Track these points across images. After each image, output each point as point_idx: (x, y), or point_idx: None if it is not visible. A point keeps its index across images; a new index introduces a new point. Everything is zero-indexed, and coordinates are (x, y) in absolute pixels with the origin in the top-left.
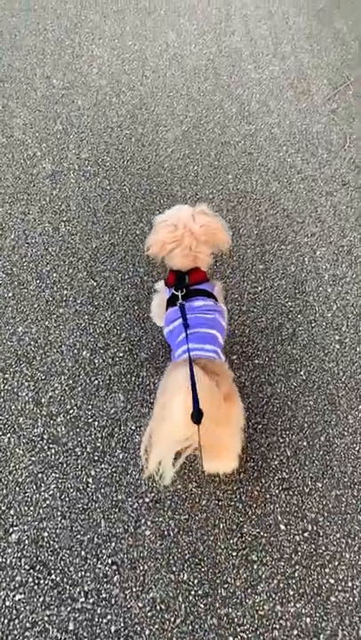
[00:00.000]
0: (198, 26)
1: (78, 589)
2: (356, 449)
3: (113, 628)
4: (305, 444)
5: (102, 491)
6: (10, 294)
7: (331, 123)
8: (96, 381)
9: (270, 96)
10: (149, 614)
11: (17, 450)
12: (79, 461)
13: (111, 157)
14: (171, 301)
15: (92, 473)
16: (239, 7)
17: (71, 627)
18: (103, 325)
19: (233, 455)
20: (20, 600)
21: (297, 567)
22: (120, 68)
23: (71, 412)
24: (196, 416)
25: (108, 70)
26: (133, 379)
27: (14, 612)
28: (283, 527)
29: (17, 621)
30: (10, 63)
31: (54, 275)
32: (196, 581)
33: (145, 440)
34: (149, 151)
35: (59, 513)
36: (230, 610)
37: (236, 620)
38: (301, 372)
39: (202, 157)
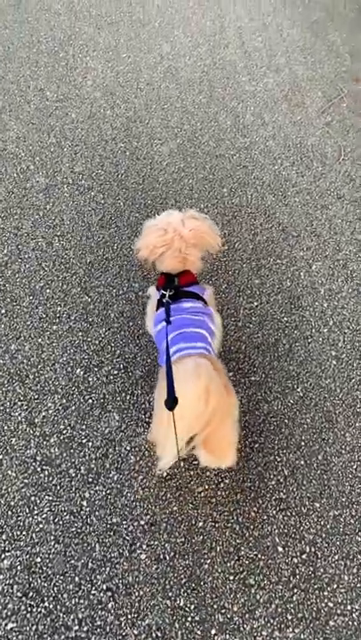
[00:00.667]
0: (193, 38)
1: (72, 617)
2: (354, 467)
3: None
4: (302, 462)
5: (97, 513)
6: (2, 311)
7: (325, 135)
8: (90, 400)
9: (265, 108)
10: None
11: (9, 472)
12: (73, 483)
13: (105, 171)
14: (160, 302)
15: (87, 495)
16: (233, 19)
17: None
18: (97, 342)
19: (233, 448)
20: (12, 629)
21: (295, 590)
22: (114, 81)
23: (65, 432)
24: (170, 404)
25: (102, 82)
26: (128, 397)
27: None
28: (280, 549)
29: None
30: (3, 75)
31: (48, 291)
32: (192, 607)
33: (154, 433)
34: (144, 165)
35: (52, 537)
36: (228, 636)
37: None
38: (298, 389)
39: (197, 171)
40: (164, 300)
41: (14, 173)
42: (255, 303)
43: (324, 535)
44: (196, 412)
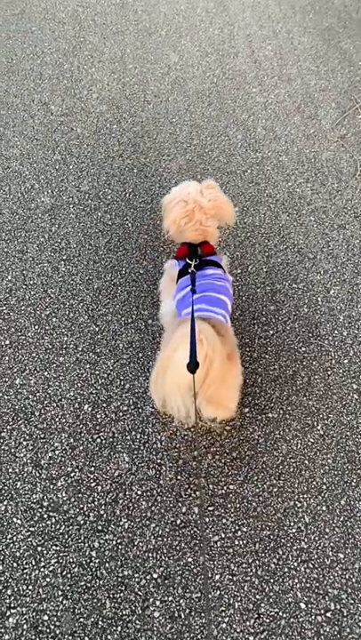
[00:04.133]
0: (201, 47)
1: None
2: None
3: None
4: (324, 508)
5: (107, 566)
6: (7, 342)
7: (340, 150)
8: (98, 439)
9: (277, 121)
10: None
11: (14, 519)
12: (81, 532)
13: (112, 190)
14: (182, 272)
15: (96, 545)
16: (242, 27)
17: None
18: (106, 376)
19: (232, 406)
20: None
21: None
22: (121, 93)
23: (72, 474)
24: (193, 365)
25: (108, 95)
26: (138, 436)
27: None
28: (303, 606)
29: None
30: (6, 89)
31: (54, 319)
32: None
33: (152, 385)
34: (152, 182)
35: (60, 592)
36: None
37: None
38: (318, 427)
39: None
40: (189, 270)
41: (18, 193)
42: (271, 332)
43: (349, 590)
44: (180, 379)
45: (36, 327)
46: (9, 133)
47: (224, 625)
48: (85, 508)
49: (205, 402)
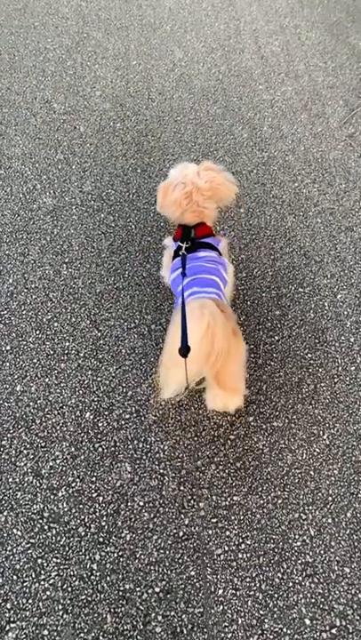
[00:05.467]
0: (206, 43)
1: None
2: None
3: None
4: (330, 520)
5: (108, 579)
6: (7, 347)
7: (348, 149)
8: (100, 449)
9: (283, 119)
10: None
11: (14, 530)
12: (82, 543)
13: (116, 190)
14: (177, 253)
15: (97, 557)
16: (249, 22)
17: None
18: (108, 382)
19: (240, 386)
20: None
21: None
22: (124, 90)
23: (73, 484)
24: (185, 350)
25: (111, 93)
26: (141, 445)
27: None
28: (308, 622)
29: None
30: (8, 86)
31: (55, 324)
32: None
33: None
34: (156, 183)
35: (60, 606)
36: None
37: None
38: (324, 436)
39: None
40: (180, 253)
41: (20, 194)
42: (276, 337)
43: (355, 606)
44: (201, 353)
45: (38, 332)
46: (11, 132)
47: None
48: (86, 520)
49: (216, 385)
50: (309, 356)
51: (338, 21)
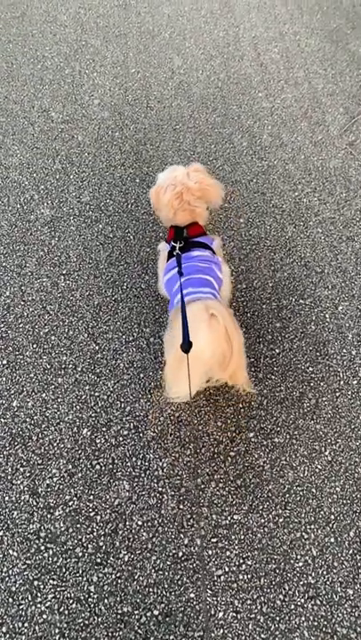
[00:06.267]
0: (205, 50)
1: None
2: None
3: None
4: (332, 540)
5: (105, 601)
6: (4, 362)
7: (348, 157)
8: (98, 466)
9: (283, 127)
10: None
11: (10, 551)
12: (80, 565)
13: (114, 200)
14: (171, 254)
15: (94, 579)
16: (248, 28)
17: None
18: (105, 398)
19: (246, 376)
20: None
21: None
22: (123, 99)
23: (70, 503)
24: (187, 346)
25: (110, 101)
26: (139, 462)
27: None
28: None
29: None
30: (6, 95)
31: (53, 338)
32: None
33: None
34: None
35: (57, 630)
36: None
37: None
38: (326, 453)
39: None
40: (174, 253)
41: (17, 204)
42: (277, 350)
43: (359, 629)
44: (219, 353)
45: (35, 346)
46: (8, 141)
47: None
48: (84, 540)
49: (229, 381)
50: (311, 369)
51: (338, 28)
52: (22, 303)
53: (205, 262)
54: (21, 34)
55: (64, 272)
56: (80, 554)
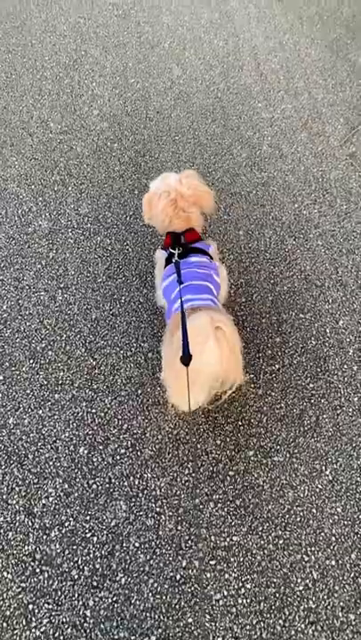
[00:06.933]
0: (205, 60)
1: None
2: None
3: None
4: (333, 563)
5: (102, 626)
6: (0, 377)
7: (349, 168)
8: (94, 485)
9: (283, 138)
10: None
11: (5, 573)
12: (75, 588)
13: (113, 213)
14: (168, 260)
15: (90, 603)
16: (248, 38)
17: None
18: (103, 415)
19: (242, 375)
20: None
21: None
22: (122, 109)
23: (66, 524)
24: (186, 358)
25: (109, 111)
26: (137, 482)
27: None
28: None
29: None
30: (5, 105)
31: (50, 353)
32: None
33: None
34: None
35: None
36: None
37: None
38: (327, 472)
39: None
40: (173, 260)
41: (15, 216)
42: (277, 366)
43: None
44: (226, 367)
45: (31, 361)
46: (6, 152)
47: None
48: (80, 562)
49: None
50: (311, 385)
51: (338, 38)
52: (19, 317)
53: (204, 268)
54: (21, 44)
55: (62, 285)
56: (76, 576)
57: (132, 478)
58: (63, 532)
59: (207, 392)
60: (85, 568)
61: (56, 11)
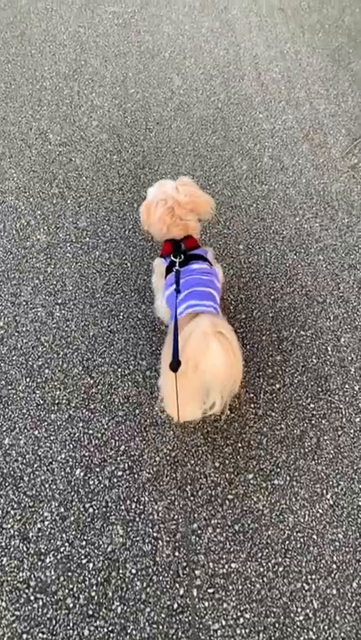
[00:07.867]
0: (205, 70)
1: None
2: None
3: None
4: (334, 591)
5: None
6: None
7: (351, 181)
8: (91, 509)
9: (284, 150)
10: None
11: None
12: (70, 617)
13: (111, 226)
14: (169, 268)
15: (85, 633)
16: (249, 47)
17: None
18: (100, 436)
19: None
20: None
21: None
22: (122, 120)
23: (62, 549)
24: (175, 364)
25: (108, 122)
26: (134, 505)
27: None
28: None
29: None
30: (4, 116)
31: (46, 371)
32: None
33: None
34: None
35: None
36: None
37: None
38: (328, 496)
39: (210, 225)
40: (174, 269)
41: (13, 230)
42: (277, 385)
43: None
44: (230, 372)
45: (28, 380)
46: (5, 164)
47: None
48: (75, 589)
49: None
50: (312, 405)
51: (339, 47)
52: (16, 334)
53: (206, 274)
54: (20, 54)
55: (59, 301)
56: (71, 605)
57: (128, 502)
58: (58, 557)
59: (219, 397)
60: (81, 596)
61: (56, 20)
